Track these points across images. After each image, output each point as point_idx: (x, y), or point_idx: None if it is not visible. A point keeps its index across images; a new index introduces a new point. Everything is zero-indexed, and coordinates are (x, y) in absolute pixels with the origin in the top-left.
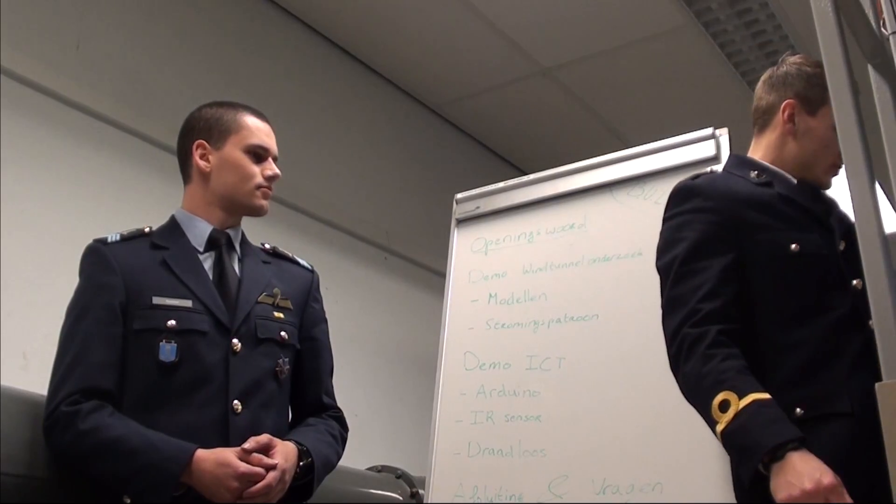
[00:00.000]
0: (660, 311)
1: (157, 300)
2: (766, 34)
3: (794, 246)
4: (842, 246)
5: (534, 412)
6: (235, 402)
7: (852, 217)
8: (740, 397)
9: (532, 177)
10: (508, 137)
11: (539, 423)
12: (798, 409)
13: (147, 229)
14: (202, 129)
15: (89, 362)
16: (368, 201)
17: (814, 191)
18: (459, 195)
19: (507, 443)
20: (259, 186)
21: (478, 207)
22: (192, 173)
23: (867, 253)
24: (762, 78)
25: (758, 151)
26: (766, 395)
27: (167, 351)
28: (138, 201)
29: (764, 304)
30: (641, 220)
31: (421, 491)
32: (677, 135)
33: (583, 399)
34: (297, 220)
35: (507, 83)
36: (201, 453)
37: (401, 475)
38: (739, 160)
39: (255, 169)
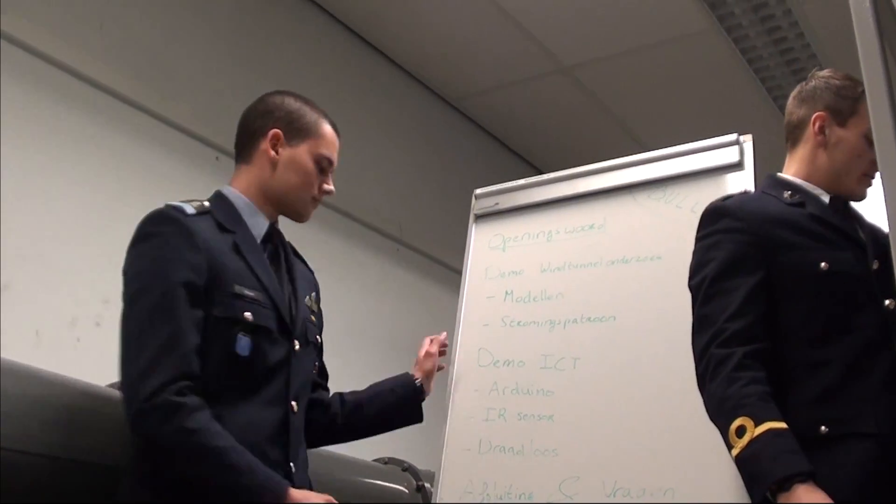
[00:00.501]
0: (677, 315)
1: (237, 289)
2: (787, 41)
3: (823, 265)
4: (875, 265)
5: (547, 411)
6: (293, 402)
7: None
8: (756, 424)
9: (552, 175)
10: (525, 135)
11: (552, 422)
12: (823, 428)
13: (206, 204)
14: (281, 118)
15: (186, 347)
16: (383, 192)
17: (846, 207)
18: (478, 190)
19: (518, 441)
20: (314, 198)
21: (496, 204)
22: (254, 156)
23: None
24: (792, 94)
25: (791, 167)
26: (782, 425)
27: (243, 344)
28: (156, 182)
29: (792, 322)
30: (662, 223)
31: (427, 485)
32: (693, 139)
33: (596, 400)
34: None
35: (526, 80)
36: (294, 492)
37: (407, 468)
38: (774, 180)
39: (316, 179)
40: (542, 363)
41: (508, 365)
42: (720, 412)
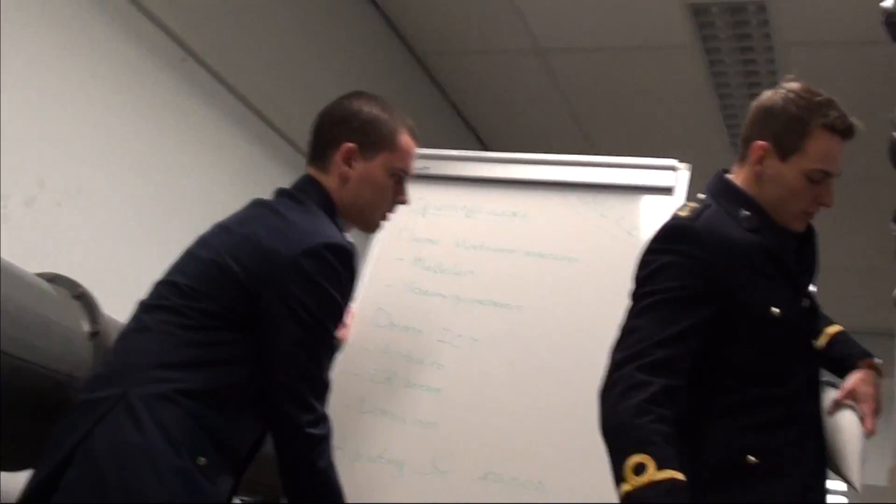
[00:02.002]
0: (581, 318)
1: None
2: (759, 75)
3: (775, 310)
4: (806, 303)
5: (435, 384)
6: None
7: None
8: (658, 468)
9: (489, 154)
10: (481, 107)
11: (438, 395)
12: (751, 458)
13: None
14: (356, 129)
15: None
16: None
17: (795, 236)
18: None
19: (401, 408)
20: (385, 214)
21: (427, 168)
22: (331, 169)
23: None
24: (756, 100)
25: (738, 178)
26: (682, 477)
27: None
28: (106, 62)
29: (735, 359)
30: (585, 227)
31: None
32: (645, 152)
33: (486, 383)
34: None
35: (497, 51)
36: None
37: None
38: (733, 193)
39: (390, 194)
40: (440, 336)
41: (406, 331)
42: (620, 436)
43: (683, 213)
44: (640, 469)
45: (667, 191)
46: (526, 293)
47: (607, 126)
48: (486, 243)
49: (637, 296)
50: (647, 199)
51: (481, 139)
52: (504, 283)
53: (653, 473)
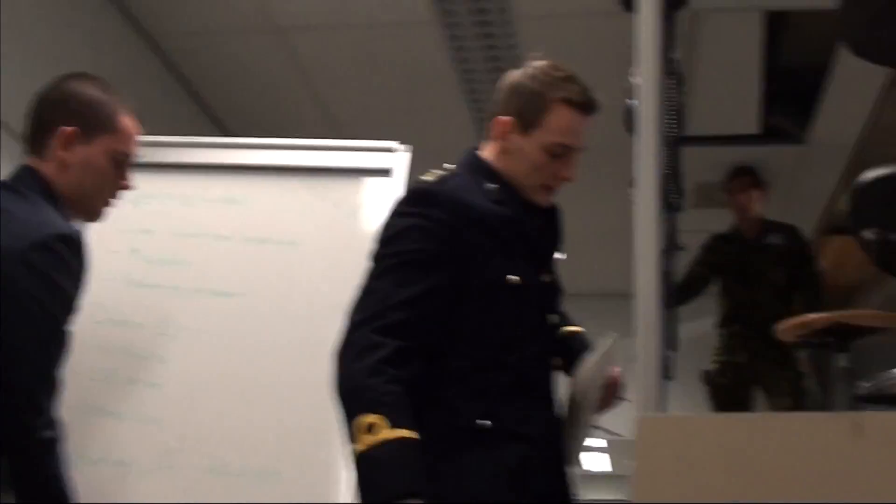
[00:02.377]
0: (304, 303)
1: None
2: (499, 50)
3: (513, 277)
4: (547, 278)
5: (158, 379)
6: None
7: None
8: (390, 427)
9: (208, 140)
10: (219, 90)
11: (161, 391)
12: (485, 422)
13: None
14: (75, 112)
15: None
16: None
17: (540, 212)
18: None
19: (123, 406)
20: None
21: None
22: (49, 155)
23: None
24: (504, 76)
25: (486, 153)
26: (414, 436)
27: None
28: None
29: (473, 324)
30: (305, 211)
31: None
32: (386, 133)
33: (210, 375)
34: None
35: (234, 31)
36: None
37: None
38: (481, 166)
39: (112, 179)
40: (161, 329)
41: (125, 326)
42: (353, 397)
43: (428, 178)
44: (371, 428)
45: (385, 172)
46: (247, 280)
47: (350, 106)
48: (204, 231)
49: (377, 258)
50: (367, 182)
51: (222, 123)
52: (224, 271)
53: (384, 433)
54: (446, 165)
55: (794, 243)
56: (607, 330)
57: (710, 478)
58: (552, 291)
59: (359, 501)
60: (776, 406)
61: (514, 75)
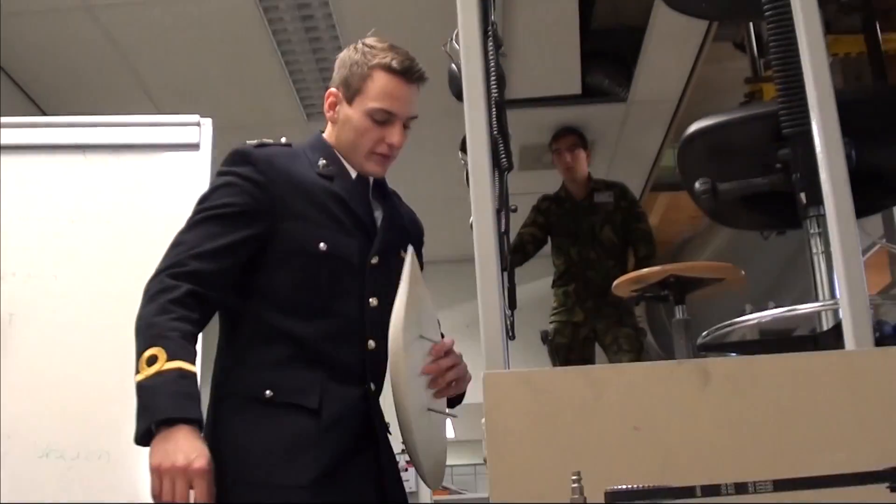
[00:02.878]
0: (119, 280)
1: None
2: (318, 31)
3: (322, 245)
4: (375, 260)
5: None
6: None
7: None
8: (168, 359)
9: (9, 120)
10: (35, 70)
11: None
12: (268, 392)
13: None
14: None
15: None
16: None
17: (379, 190)
18: None
19: None
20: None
21: None
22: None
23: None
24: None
25: (329, 132)
26: (192, 368)
27: None
28: None
29: (276, 288)
30: (109, 188)
31: None
32: (199, 109)
33: (35, 359)
34: None
35: (47, 10)
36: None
37: None
38: (318, 141)
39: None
40: None
41: None
42: (141, 335)
43: (250, 142)
44: (152, 360)
45: (192, 147)
46: (59, 261)
47: (168, 84)
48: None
49: (194, 211)
50: (174, 156)
51: (38, 105)
52: (33, 253)
53: (162, 364)
54: (283, 139)
55: (622, 201)
56: (461, 294)
57: (562, 430)
58: (380, 275)
59: None
60: (617, 363)
61: (343, 51)
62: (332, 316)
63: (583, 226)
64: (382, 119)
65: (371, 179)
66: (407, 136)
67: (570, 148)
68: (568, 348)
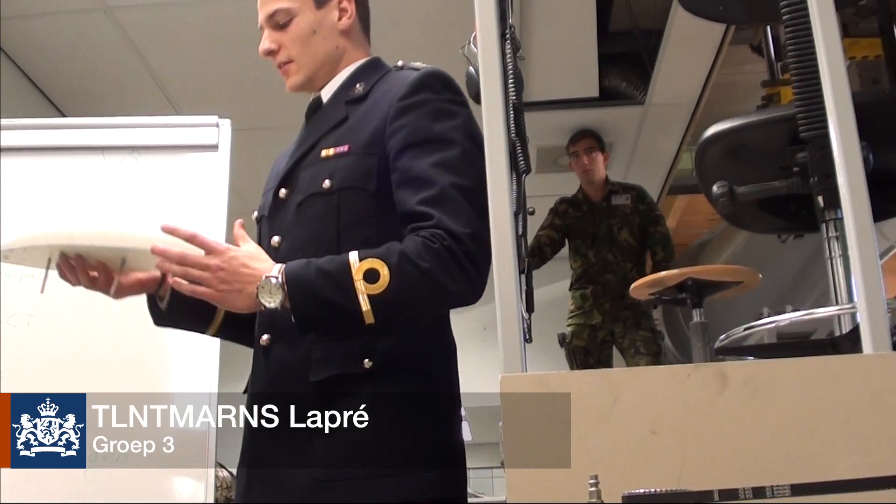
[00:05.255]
0: None
1: None
2: None
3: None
4: (282, 193)
5: None
6: None
7: None
8: None
9: (29, 121)
10: (53, 72)
11: None
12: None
13: None
14: None
15: None
16: None
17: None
18: None
19: None
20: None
21: None
22: None
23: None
24: None
25: None
26: None
27: None
28: None
29: None
30: (132, 190)
31: None
32: (217, 110)
33: (49, 361)
34: None
35: (65, 12)
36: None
37: None
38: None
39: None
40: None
41: None
42: None
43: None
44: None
45: (212, 148)
46: None
47: (187, 85)
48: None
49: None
50: (193, 157)
51: (57, 106)
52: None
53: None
54: None
55: (640, 204)
56: None
57: (579, 433)
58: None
59: None
60: (634, 366)
61: None
62: None
63: (600, 228)
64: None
65: (322, 97)
66: (291, 31)
67: (588, 150)
68: (585, 351)
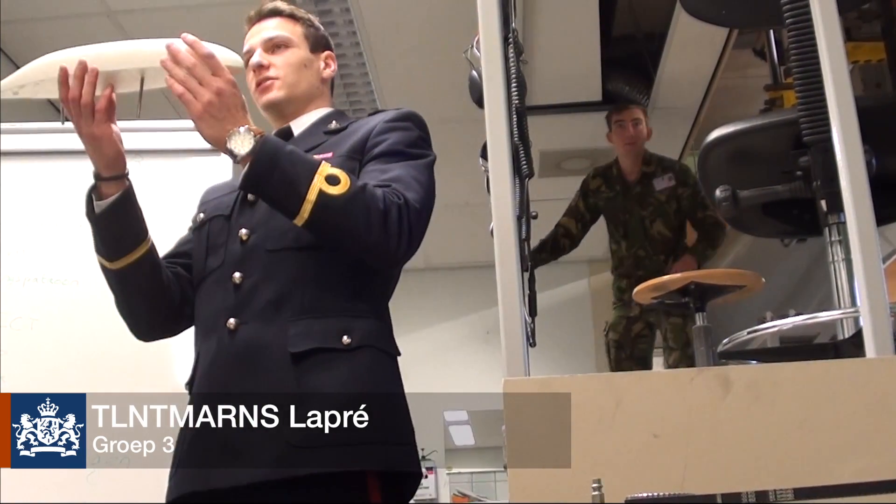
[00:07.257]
0: None
1: None
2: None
3: (201, 215)
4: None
5: None
6: None
7: None
8: None
9: (36, 125)
10: None
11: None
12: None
13: None
14: None
15: None
16: None
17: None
18: None
19: None
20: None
21: None
22: None
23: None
24: None
25: None
26: None
27: None
28: None
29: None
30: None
31: None
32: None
33: (50, 364)
34: None
35: (69, 16)
36: None
37: None
38: None
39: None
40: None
41: None
42: None
43: None
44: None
45: (216, 151)
46: (81, 266)
47: None
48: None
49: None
50: (196, 161)
51: (60, 110)
52: (56, 258)
53: None
54: None
55: (681, 187)
56: (481, 301)
57: (582, 437)
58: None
59: None
60: (667, 361)
61: None
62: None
63: (632, 218)
64: (248, 60)
65: (293, 128)
66: (285, 56)
67: (636, 123)
68: (619, 345)
